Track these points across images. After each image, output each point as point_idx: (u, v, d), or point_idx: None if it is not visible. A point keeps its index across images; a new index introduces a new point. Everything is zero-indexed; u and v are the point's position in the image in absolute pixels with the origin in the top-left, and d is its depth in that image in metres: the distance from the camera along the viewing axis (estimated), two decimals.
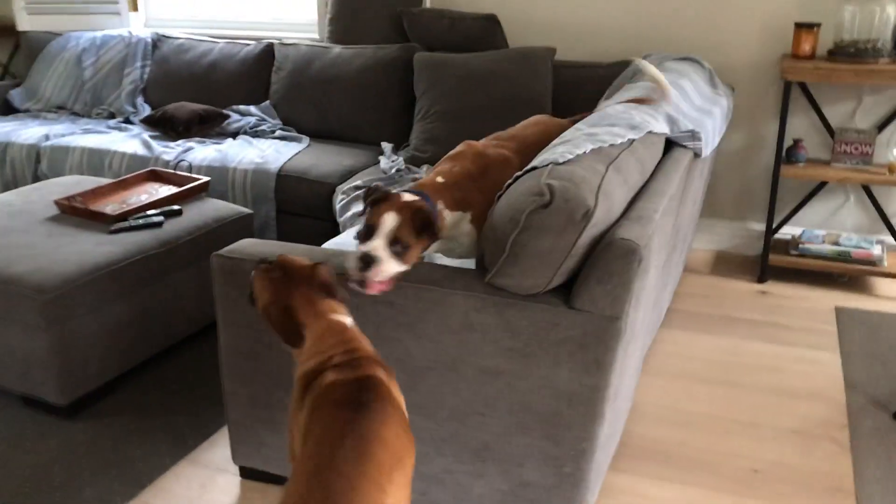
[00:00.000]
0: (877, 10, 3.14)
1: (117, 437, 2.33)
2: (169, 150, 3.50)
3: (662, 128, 2.34)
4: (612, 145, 1.98)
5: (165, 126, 3.71)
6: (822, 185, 3.58)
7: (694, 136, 2.45)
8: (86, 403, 2.47)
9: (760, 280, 3.47)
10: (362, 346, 1.60)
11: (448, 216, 1.94)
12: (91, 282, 2.38)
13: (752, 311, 3.20)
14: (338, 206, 3.00)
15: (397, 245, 1.74)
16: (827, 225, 3.65)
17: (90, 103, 4.20)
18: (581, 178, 1.70)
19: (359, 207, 2.90)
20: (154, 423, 2.40)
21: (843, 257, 3.37)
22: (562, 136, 2.12)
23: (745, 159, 3.67)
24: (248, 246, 1.97)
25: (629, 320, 1.68)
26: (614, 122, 2.17)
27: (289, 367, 1.95)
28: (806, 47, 3.27)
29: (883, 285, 3.43)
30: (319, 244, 3.20)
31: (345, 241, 2.48)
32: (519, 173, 1.88)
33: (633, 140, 2.09)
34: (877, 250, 3.35)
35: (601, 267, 1.62)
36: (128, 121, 4.03)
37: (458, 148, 2.16)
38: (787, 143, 3.42)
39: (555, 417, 1.75)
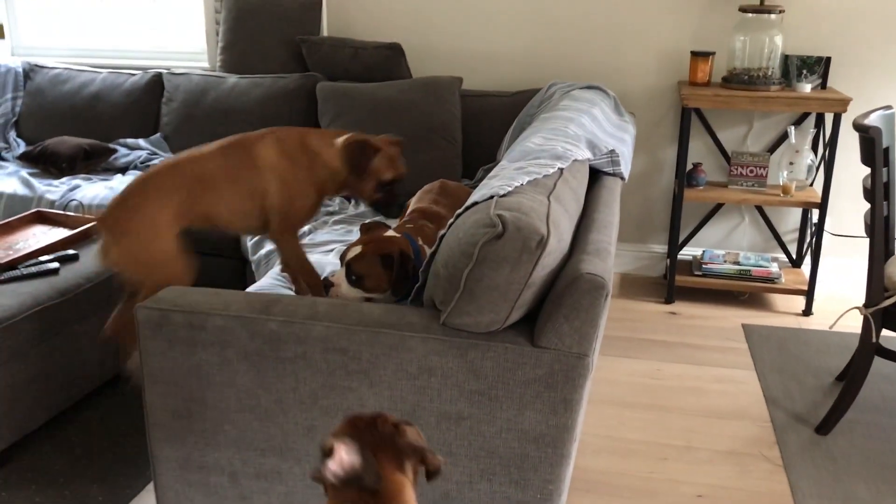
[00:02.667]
0: (765, 40, 3.29)
1: None
2: (53, 189, 3.23)
3: (585, 154, 2.35)
4: (545, 176, 1.96)
5: (46, 162, 3.43)
6: (719, 206, 3.72)
7: (612, 158, 2.47)
8: None
9: (668, 301, 3.55)
10: None
11: (428, 252, 1.97)
12: None
13: (664, 332, 3.26)
14: (249, 245, 2.84)
15: (353, 277, 1.96)
16: (724, 245, 3.78)
17: None
18: (529, 208, 1.66)
19: (272, 245, 2.75)
20: (62, 494, 2.17)
21: (744, 275, 3.49)
22: (491, 174, 2.09)
23: (645, 184, 3.75)
24: (173, 295, 1.81)
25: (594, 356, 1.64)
26: (538, 155, 2.15)
27: (226, 425, 1.80)
28: (701, 75, 3.39)
29: (781, 301, 3.58)
30: (228, 285, 3.04)
31: (267, 284, 2.34)
32: (460, 210, 1.82)
33: (562, 170, 2.07)
34: (774, 268, 3.49)
35: (568, 303, 1.58)
36: (0, 157, 3.70)
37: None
38: (687, 167, 3.51)
39: (521, 461, 1.68)
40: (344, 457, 1.17)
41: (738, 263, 3.53)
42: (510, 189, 1.77)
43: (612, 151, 2.47)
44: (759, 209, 3.69)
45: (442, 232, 1.81)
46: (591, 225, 1.93)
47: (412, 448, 1.23)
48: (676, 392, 2.78)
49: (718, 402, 2.72)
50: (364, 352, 1.67)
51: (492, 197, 1.74)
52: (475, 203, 1.77)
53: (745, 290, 3.49)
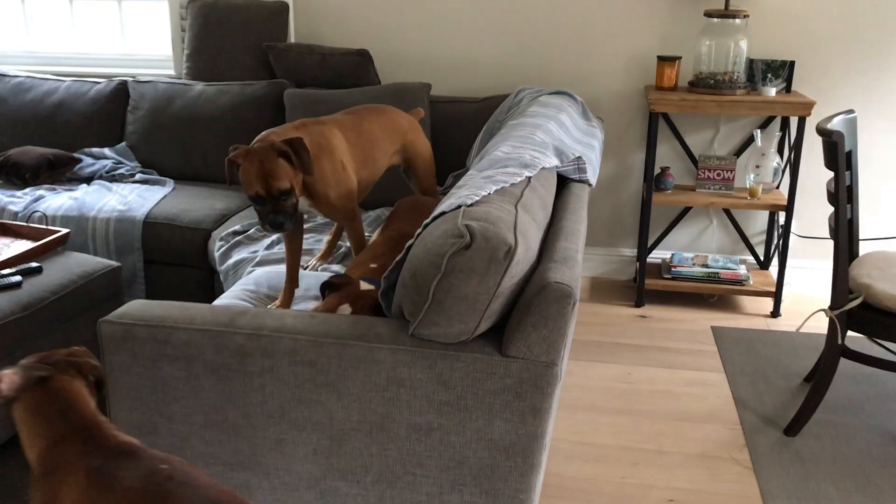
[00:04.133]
0: (731, 45, 3.32)
1: None
2: (16, 200, 3.17)
3: (552, 161, 2.35)
4: (512, 184, 1.96)
5: (9, 173, 3.37)
6: (687, 209, 3.74)
7: (579, 166, 2.48)
8: None
9: (638, 304, 3.57)
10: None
11: None
12: None
13: (635, 336, 3.28)
14: (217, 255, 2.81)
15: None
16: (692, 248, 3.81)
17: None
18: (497, 218, 1.66)
19: (241, 255, 2.73)
20: None
21: (713, 278, 3.52)
22: (458, 183, 2.09)
23: (614, 188, 3.77)
24: (138, 309, 1.78)
25: (563, 365, 1.64)
26: (506, 164, 2.15)
27: (192, 440, 1.77)
28: (668, 79, 3.41)
29: (749, 303, 3.61)
30: (195, 295, 3.01)
31: (236, 295, 2.31)
32: (427, 220, 1.82)
33: (530, 178, 2.08)
34: (742, 270, 3.53)
35: (536, 312, 1.57)
36: None
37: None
38: (655, 171, 3.54)
39: (491, 471, 1.67)
40: (9, 374, 1.38)
41: (706, 266, 3.56)
42: (477, 198, 1.77)
43: (579, 158, 2.47)
44: (727, 212, 3.72)
45: (409, 242, 1.80)
46: (558, 232, 1.93)
47: (69, 361, 1.45)
48: (647, 396, 2.80)
49: (689, 406, 2.73)
50: (332, 364, 1.66)
51: (459, 207, 1.74)
52: (443, 213, 1.76)
53: (713, 293, 3.52)
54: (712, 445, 2.51)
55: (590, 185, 2.50)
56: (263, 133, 2.22)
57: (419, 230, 1.79)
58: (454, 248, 1.56)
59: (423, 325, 1.62)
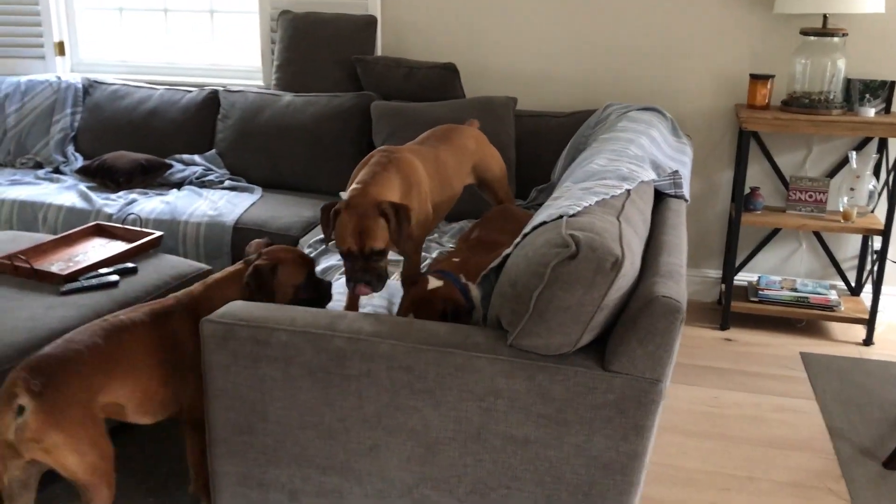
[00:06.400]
0: (827, 63, 3.23)
1: None
2: (111, 203, 3.27)
3: (650, 174, 2.31)
4: (613, 197, 1.93)
5: (104, 176, 3.47)
6: (776, 231, 3.64)
7: (675, 180, 2.43)
8: None
9: (723, 327, 3.48)
10: None
11: (473, 289, 1.98)
12: None
13: (721, 359, 3.19)
14: None
15: None
16: (779, 271, 3.70)
17: (13, 152, 3.91)
18: (602, 229, 1.63)
19: (329, 262, 2.75)
20: None
21: (802, 303, 3.41)
22: (555, 194, 2.07)
23: (700, 207, 3.70)
24: (238, 309, 1.81)
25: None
26: (604, 176, 2.12)
27: (287, 441, 1.78)
28: (761, 98, 3.33)
29: (839, 329, 3.49)
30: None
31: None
32: (527, 229, 1.80)
33: (629, 191, 2.04)
34: (833, 295, 3.41)
35: (643, 327, 1.54)
36: (58, 171, 3.76)
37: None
38: (745, 190, 3.45)
39: (588, 487, 1.64)
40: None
41: (795, 290, 3.45)
42: (579, 209, 1.75)
43: (675, 173, 2.43)
44: (817, 235, 3.61)
45: (507, 251, 1.78)
46: (660, 247, 1.89)
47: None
48: (736, 421, 2.72)
49: (780, 432, 2.64)
50: (430, 371, 1.65)
51: (561, 217, 1.72)
52: (543, 223, 1.74)
53: (802, 318, 3.41)
54: (805, 475, 2.41)
55: (686, 200, 2.45)
56: (361, 175, 2.11)
57: (518, 238, 1.77)
58: (559, 257, 1.54)
59: (522, 336, 1.60)
